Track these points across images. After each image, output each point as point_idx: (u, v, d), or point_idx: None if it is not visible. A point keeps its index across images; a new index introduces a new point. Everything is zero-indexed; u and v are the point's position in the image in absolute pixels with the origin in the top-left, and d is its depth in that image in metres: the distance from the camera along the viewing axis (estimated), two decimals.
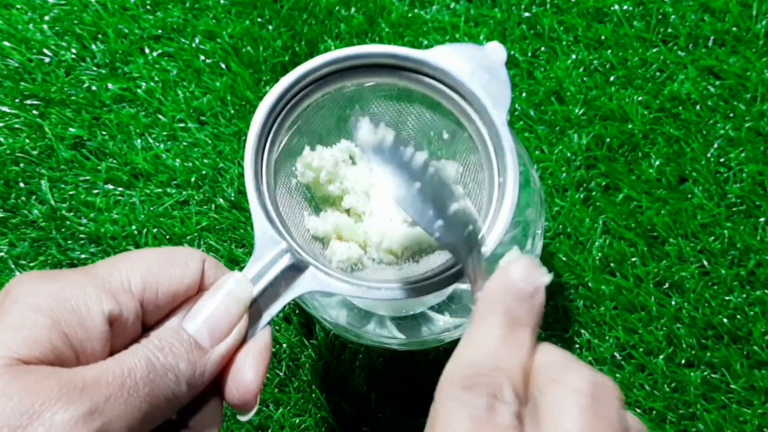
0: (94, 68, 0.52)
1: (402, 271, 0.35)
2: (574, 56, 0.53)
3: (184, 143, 0.51)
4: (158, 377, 0.24)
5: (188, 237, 0.50)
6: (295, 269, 0.30)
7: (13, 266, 0.49)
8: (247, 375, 0.27)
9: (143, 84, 0.52)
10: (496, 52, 0.34)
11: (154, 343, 0.25)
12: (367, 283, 0.31)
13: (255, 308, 0.28)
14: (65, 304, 0.24)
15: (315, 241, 0.36)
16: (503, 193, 0.32)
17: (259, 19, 0.53)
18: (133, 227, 0.49)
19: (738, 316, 0.48)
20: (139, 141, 0.51)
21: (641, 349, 0.48)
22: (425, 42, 0.53)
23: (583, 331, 0.48)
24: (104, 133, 0.51)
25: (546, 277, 0.25)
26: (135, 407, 0.23)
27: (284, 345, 0.48)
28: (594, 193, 0.50)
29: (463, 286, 0.46)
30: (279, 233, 0.30)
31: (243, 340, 0.28)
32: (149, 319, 0.27)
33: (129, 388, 0.23)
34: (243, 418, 0.28)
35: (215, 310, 0.27)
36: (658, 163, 0.50)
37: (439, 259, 0.34)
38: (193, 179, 0.50)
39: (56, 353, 0.23)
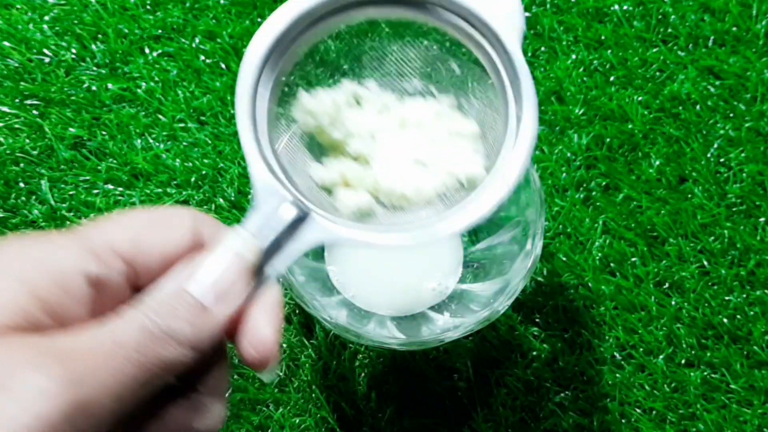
0: (94, 68, 0.52)
1: (415, 216, 0.33)
2: (574, 56, 0.53)
3: (184, 143, 0.51)
4: (154, 343, 0.22)
5: None
6: (300, 220, 0.28)
7: None
8: (262, 330, 0.25)
9: (143, 84, 0.52)
10: None
11: (151, 307, 0.23)
12: (378, 228, 0.29)
13: (259, 264, 0.26)
14: (40, 264, 0.22)
15: (321, 190, 0.34)
16: (520, 125, 0.31)
17: (259, 19, 0.53)
18: None
19: (738, 316, 0.48)
20: (139, 141, 0.51)
21: (641, 349, 0.48)
22: (425, 42, 0.53)
23: (583, 331, 0.48)
24: (104, 133, 0.51)
25: None
26: (123, 376, 0.21)
27: (284, 345, 0.48)
28: (594, 193, 0.50)
29: (463, 286, 0.46)
30: (279, 181, 0.28)
31: (249, 300, 0.26)
32: (140, 283, 0.25)
33: (116, 356, 0.21)
34: (265, 378, 0.26)
35: (221, 270, 0.25)
36: (658, 163, 0.50)
37: (453, 200, 0.33)
38: (193, 179, 0.50)
39: (30, 319, 0.21)
